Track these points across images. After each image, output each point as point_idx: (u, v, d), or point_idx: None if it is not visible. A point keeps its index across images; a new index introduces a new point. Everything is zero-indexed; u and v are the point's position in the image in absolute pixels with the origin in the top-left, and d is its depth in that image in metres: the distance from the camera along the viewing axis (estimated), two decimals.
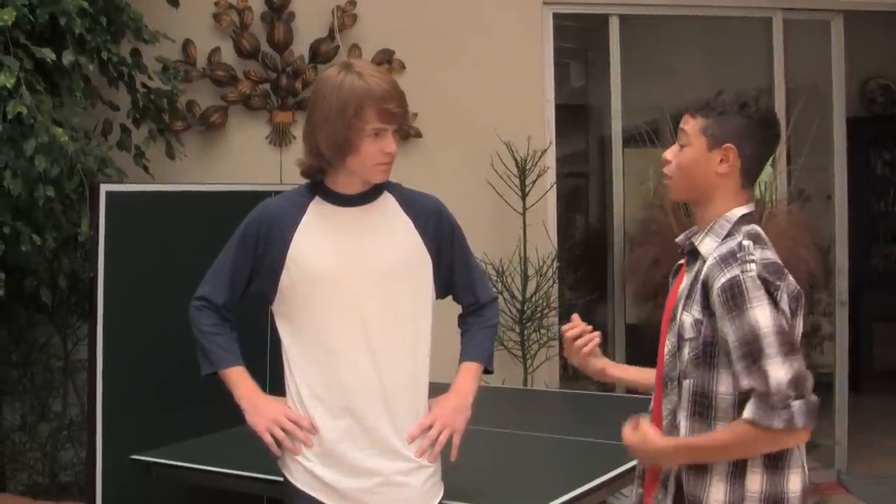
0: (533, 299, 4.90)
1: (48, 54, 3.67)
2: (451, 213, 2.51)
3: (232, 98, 4.90)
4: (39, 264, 4.07)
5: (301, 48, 4.96)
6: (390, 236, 2.40)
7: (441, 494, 2.45)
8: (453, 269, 2.50)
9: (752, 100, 2.14)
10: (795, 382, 1.94)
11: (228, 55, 4.91)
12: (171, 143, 4.53)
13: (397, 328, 2.38)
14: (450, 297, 2.56)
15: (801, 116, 5.30)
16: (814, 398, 1.96)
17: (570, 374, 5.37)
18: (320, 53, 4.94)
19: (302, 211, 2.39)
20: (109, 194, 3.55)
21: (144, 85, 4.45)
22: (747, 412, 1.96)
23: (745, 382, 1.97)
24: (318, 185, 2.41)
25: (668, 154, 2.23)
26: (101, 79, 4.25)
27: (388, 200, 2.43)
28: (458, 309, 2.59)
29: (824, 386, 5.51)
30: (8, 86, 3.46)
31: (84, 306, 4.30)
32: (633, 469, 2.91)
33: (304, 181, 2.45)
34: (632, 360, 5.31)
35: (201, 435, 3.40)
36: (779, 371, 1.94)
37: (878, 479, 5.38)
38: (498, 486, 2.87)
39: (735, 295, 1.98)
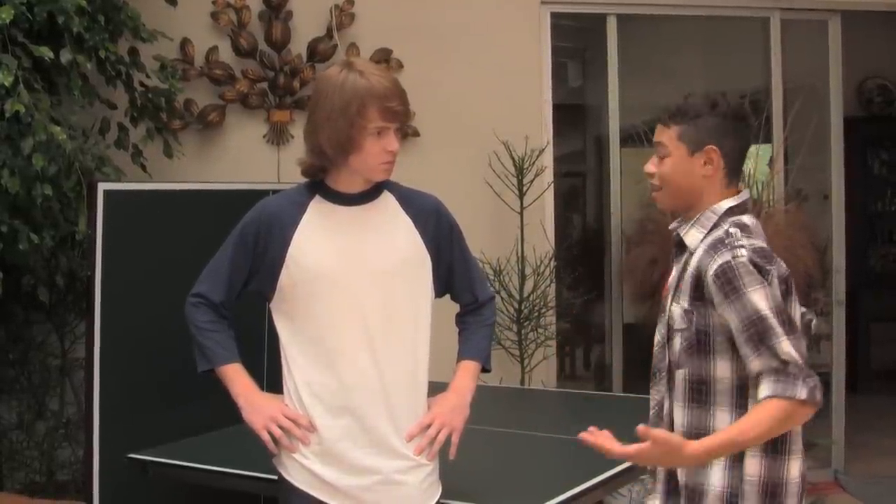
0: (530, 299, 4.90)
1: (46, 53, 3.67)
2: (450, 212, 2.51)
3: (230, 97, 4.89)
4: (37, 263, 4.06)
5: (299, 47, 4.95)
6: (390, 235, 2.40)
7: (439, 493, 2.45)
8: (452, 269, 2.50)
9: (720, 98, 2.16)
10: (804, 360, 1.96)
11: (226, 54, 4.90)
12: (169, 141, 4.52)
13: (397, 327, 2.38)
14: (448, 296, 2.56)
15: (798, 116, 5.31)
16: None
17: (567, 373, 5.37)
18: (318, 52, 4.94)
19: (302, 210, 2.38)
20: (107, 193, 3.54)
21: (142, 84, 4.44)
22: (767, 390, 1.94)
23: (756, 364, 1.97)
24: (318, 184, 2.41)
25: (650, 167, 2.23)
26: (98, 77, 4.24)
27: (388, 199, 2.43)
28: (458, 308, 2.59)
29: (821, 385, 5.51)
30: (6, 84, 3.46)
31: (81, 305, 4.30)
32: (631, 469, 2.93)
33: (302, 180, 2.45)
34: (629, 359, 5.35)
35: (198, 434, 3.39)
36: (789, 347, 1.95)
37: (875, 479, 5.38)
38: (495, 485, 2.86)
39: (730, 279, 1.99)
